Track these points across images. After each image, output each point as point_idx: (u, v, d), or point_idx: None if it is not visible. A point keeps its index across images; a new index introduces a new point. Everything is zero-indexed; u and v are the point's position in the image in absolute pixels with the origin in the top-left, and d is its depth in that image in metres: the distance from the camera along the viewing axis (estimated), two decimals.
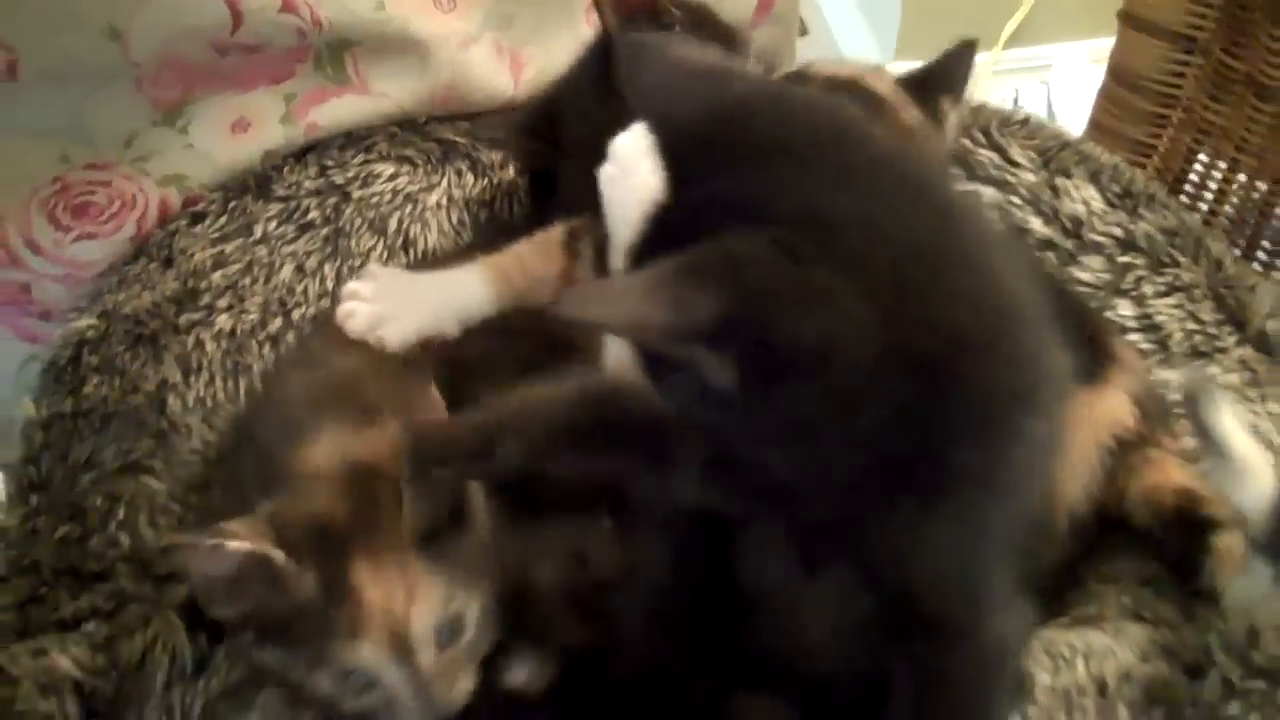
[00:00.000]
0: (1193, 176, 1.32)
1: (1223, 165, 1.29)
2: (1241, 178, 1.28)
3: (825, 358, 0.52)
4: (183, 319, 0.96)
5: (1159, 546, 0.83)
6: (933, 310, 0.54)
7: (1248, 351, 0.99)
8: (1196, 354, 1.00)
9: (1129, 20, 1.31)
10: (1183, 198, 1.30)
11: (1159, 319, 1.02)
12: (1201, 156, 1.31)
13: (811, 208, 0.54)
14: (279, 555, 0.68)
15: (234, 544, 0.68)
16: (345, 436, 0.78)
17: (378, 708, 0.71)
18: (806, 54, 1.28)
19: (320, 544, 0.70)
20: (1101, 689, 0.74)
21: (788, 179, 0.56)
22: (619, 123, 0.80)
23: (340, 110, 1.09)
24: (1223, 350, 1.00)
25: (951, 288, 0.55)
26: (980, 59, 2.33)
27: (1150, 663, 0.75)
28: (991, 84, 2.24)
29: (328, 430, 0.78)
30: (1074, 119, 1.80)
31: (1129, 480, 0.86)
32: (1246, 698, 0.72)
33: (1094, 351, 0.89)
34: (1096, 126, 1.38)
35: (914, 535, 0.58)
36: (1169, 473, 0.85)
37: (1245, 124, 1.25)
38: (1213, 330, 1.01)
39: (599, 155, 0.81)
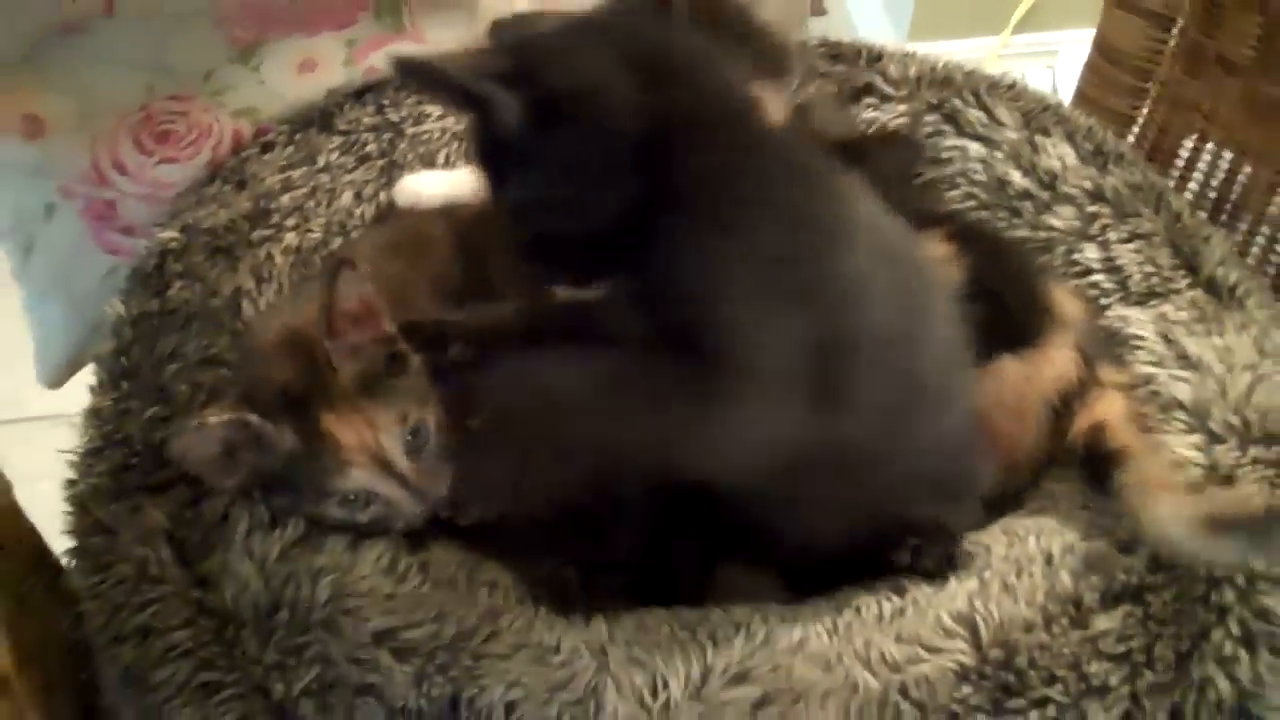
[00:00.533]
0: (1168, 145, 1.43)
1: (1194, 135, 1.41)
2: (1210, 146, 1.40)
3: (592, 102, 0.71)
4: (255, 234, 1.09)
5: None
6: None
7: (1198, 294, 1.11)
8: (1153, 294, 1.11)
9: (1115, 1, 1.43)
10: (1164, 166, 1.42)
11: (1120, 262, 1.12)
12: (1177, 127, 1.43)
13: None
14: (254, 418, 0.83)
15: (214, 419, 0.82)
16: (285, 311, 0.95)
17: (384, 514, 0.87)
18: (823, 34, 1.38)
19: (285, 404, 0.85)
20: (1048, 559, 0.87)
21: None
22: None
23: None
24: (1176, 291, 1.11)
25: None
26: (988, 43, 2.44)
27: (1090, 540, 0.87)
28: (997, 68, 2.34)
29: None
30: None
31: (1068, 424, 0.99)
32: (1171, 570, 0.84)
33: (1033, 316, 1.01)
34: (1082, 98, 1.50)
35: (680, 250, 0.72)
36: (1095, 410, 0.98)
37: (1215, 98, 1.37)
38: (1168, 274, 1.12)
39: None
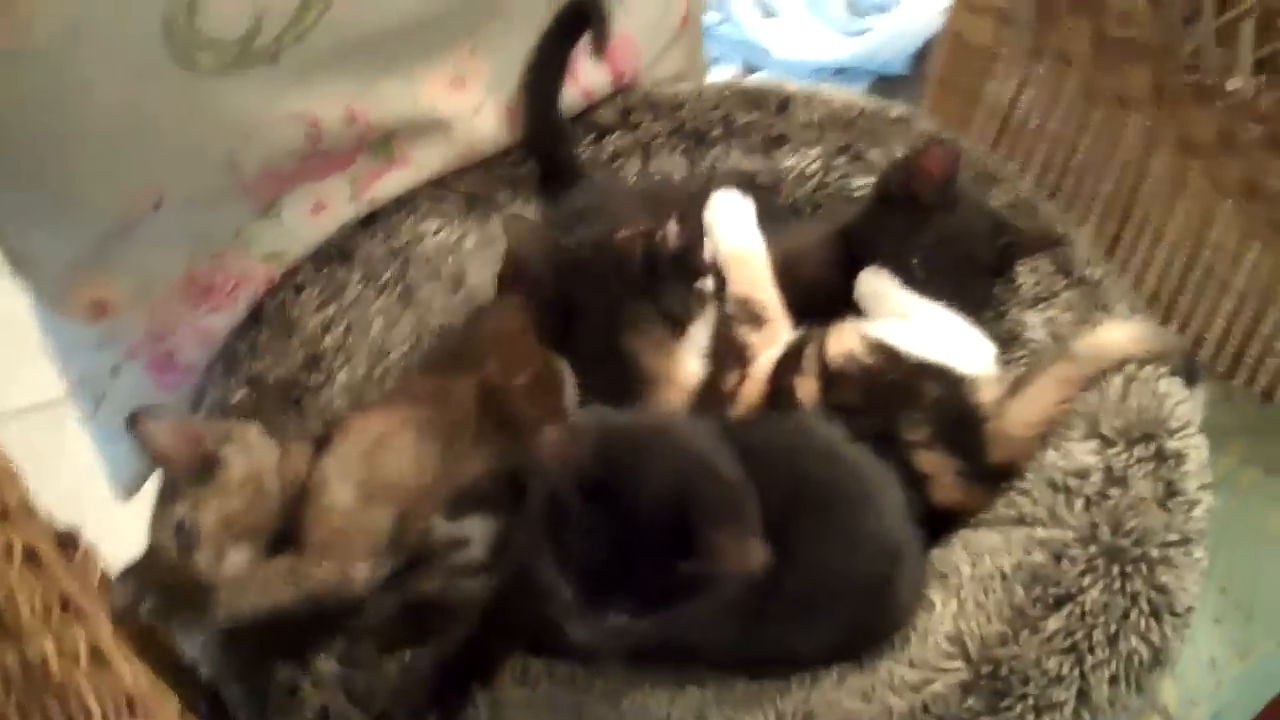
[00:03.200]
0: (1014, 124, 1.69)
1: (1039, 114, 1.67)
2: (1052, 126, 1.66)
3: None
4: (312, 380, 1.29)
5: None
6: None
7: (1074, 295, 1.36)
8: (1039, 299, 1.37)
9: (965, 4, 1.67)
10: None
11: (1013, 274, 1.39)
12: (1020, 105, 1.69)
13: None
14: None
15: None
16: None
17: None
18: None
19: None
20: (1004, 576, 1.14)
21: None
22: None
23: (391, 183, 1.40)
24: (1056, 294, 1.37)
25: None
26: None
27: (1029, 555, 1.14)
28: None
29: None
30: None
31: None
32: (1094, 572, 1.13)
33: None
34: (940, 81, 1.75)
35: None
36: None
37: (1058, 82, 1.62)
38: (1050, 278, 1.38)
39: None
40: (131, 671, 0.80)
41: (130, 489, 1.48)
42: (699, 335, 1.25)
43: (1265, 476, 1.40)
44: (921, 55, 2.58)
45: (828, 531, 1.08)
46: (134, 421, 1.11)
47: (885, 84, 2.63)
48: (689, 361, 1.25)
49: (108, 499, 1.46)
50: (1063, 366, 1.25)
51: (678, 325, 1.23)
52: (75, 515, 1.04)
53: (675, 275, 1.23)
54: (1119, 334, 1.27)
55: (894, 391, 1.21)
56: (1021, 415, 1.24)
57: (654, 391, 1.23)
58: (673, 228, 1.22)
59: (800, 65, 2.61)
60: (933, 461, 1.21)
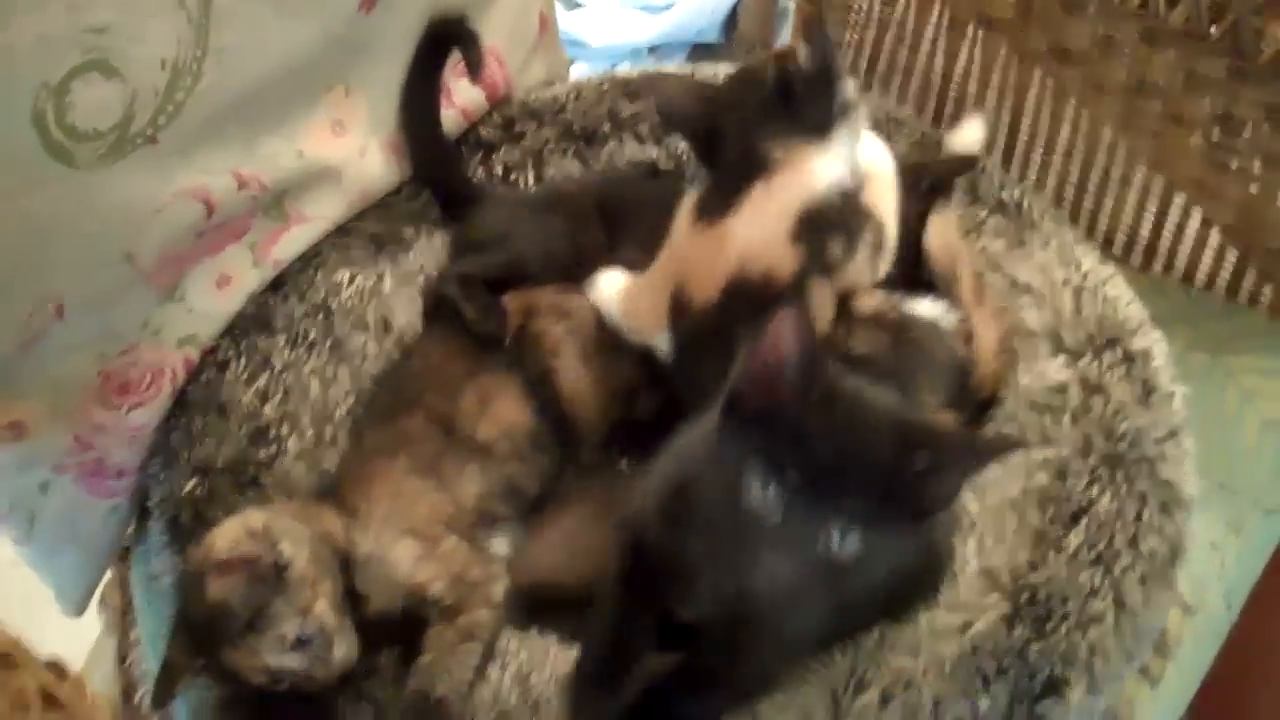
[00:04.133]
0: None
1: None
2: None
3: None
4: (263, 454, 1.22)
5: None
6: None
7: (998, 220, 1.39)
8: (966, 233, 1.38)
9: None
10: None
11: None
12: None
13: None
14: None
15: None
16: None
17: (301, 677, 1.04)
18: None
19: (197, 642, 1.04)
20: (1014, 505, 1.14)
21: None
22: None
23: (292, 242, 1.33)
24: (982, 223, 1.39)
25: None
26: None
27: (1034, 476, 1.15)
28: None
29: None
30: None
31: None
32: (1099, 481, 1.13)
33: None
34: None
35: None
36: None
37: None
38: (968, 209, 1.40)
39: None
40: None
41: (79, 605, 1.40)
42: (844, 144, 1.20)
43: (1212, 358, 1.43)
44: (731, 20, 2.66)
45: None
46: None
47: (703, 52, 2.68)
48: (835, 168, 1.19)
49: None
50: (967, 281, 1.27)
51: (820, 134, 1.18)
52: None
53: (811, 90, 1.19)
54: (943, 222, 1.31)
55: (915, 349, 1.20)
56: (982, 352, 1.24)
57: None
58: (802, 47, 1.18)
59: (619, 49, 2.66)
60: (944, 420, 1.20)
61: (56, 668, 0.95)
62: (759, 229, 1.16)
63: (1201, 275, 1.54)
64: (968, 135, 1.40)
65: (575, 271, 1.32)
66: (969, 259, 1.29)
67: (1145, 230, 1.56)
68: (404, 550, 1.12)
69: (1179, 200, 1.51)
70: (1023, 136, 1.62)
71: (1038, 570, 1.08)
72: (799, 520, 0.87)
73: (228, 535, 1.07)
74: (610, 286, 1.29)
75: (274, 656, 1.02)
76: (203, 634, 1.03)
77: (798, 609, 0.92)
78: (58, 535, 1.31)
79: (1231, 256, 1.50)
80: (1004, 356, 1.25)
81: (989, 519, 1.14)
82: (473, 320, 1.27)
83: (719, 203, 1.19)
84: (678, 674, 1.03)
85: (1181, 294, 1.52)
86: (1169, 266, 1.56)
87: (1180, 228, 1.53)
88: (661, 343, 1.22)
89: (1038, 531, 1.11)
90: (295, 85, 1.29)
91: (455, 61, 1.42)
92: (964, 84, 1.64)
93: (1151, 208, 1.54)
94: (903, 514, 0.90)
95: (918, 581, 1.07)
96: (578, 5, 2.73)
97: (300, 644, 1.03)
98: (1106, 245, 1.59)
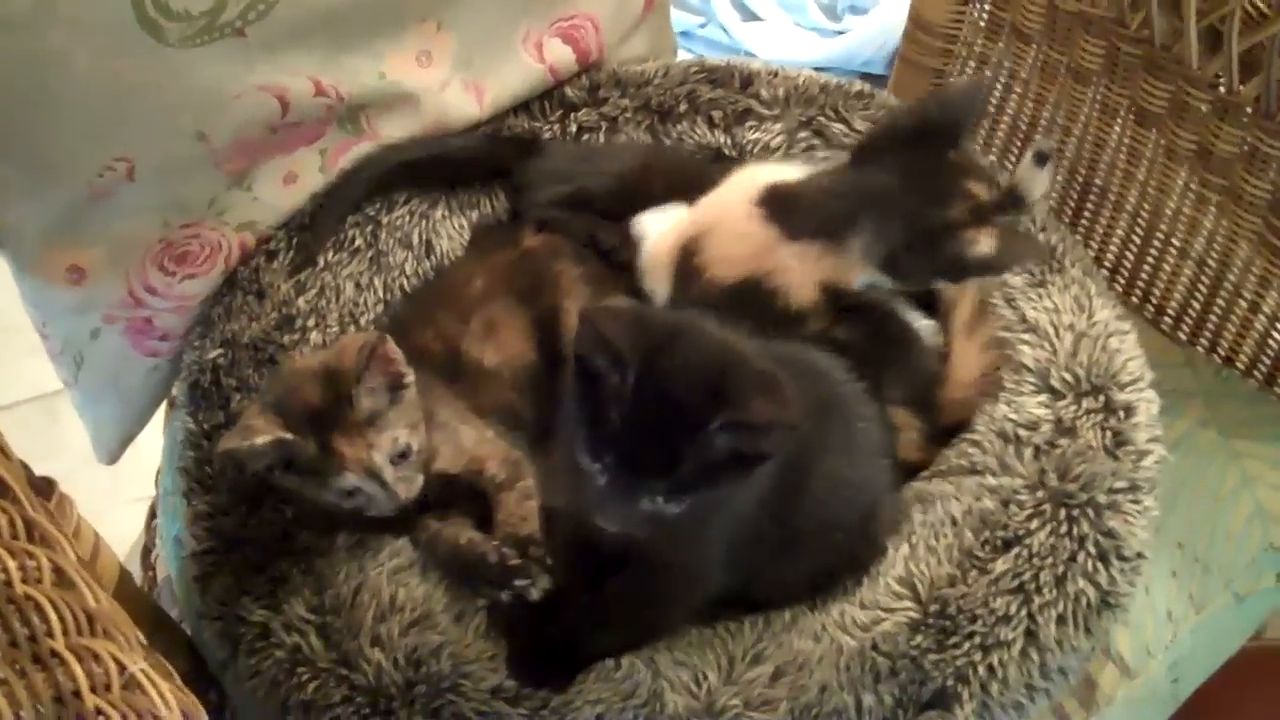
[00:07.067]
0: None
1: (998, 93, 1.70)
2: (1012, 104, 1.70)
3: None
4: (286, 339, 1.32)
5: None
6: None
7: None
8: None
9: None
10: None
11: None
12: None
13: None
14: (289, 437, 1.10)
15: (261, 440, 1.09)
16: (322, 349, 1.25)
17: (364, 504, 1.15)
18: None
19: (309, 420, 1.12)
20: (954, 521, 1.17)
21: None
22: None
23: (359, 156, 1.44)
24: None
25: None
26: None
27: (979, 502, 1.18)
28: None
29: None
30: None
31: None
32: (1040, 516, 1.16)
33: None
34: (903, 60, 1.78)
35: None
36: None
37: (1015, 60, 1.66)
38: None
39: None
40: (94, 594, 0.82)
41: (113, 453, 1.52)
42: None
43: (1221, 438, 1.43)
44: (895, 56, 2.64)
45: (838, 449, 1.13)
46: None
47: (868, 83, 2.66)
48: None
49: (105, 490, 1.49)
50: (965, 312, 1.33)
51: None
52: None
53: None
54: None
55: (889, 345, 1.27)
56: (958, 378, 1.29)
57: None
58: None
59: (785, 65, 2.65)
60: (902, 417, 1.27)
61: (45, 481, 1.05)
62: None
63: (1243, 359, 1.53)
64: (1035, 179, 1.41)
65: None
66: (974, 291, 1.32)
67: (1196, 306, 1.56)
68: (467, 432, 1.23)
69: (1230, 283, 1.51)
70: (1094, 193, 1.63)
71: (955, 586, 1.12)
72: (620, 487, 0.96)
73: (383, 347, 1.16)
74: (654, 223, 1.37)
75: (381, 456, 1.12)
76: (330, 410, 1.13)
77: (654, 545, 1.03)
78: (101, 383, 1.44)
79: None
80: (981, 387, 1.28)
81: (927, 531, 1.18)
82: (607, 244, 1.39)
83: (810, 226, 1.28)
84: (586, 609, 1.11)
85: (1212, 372, 1.52)
86: (1213, 347, 1.56)
87: (1228, 310, 1.52)
88: (660, 294, 1.29)
89: (967, 550, 1.15)
90: (388, 9, 1.39)
91: (552, 20, 1.51)
92: (1046, 132, 1.65)
93: (1204, 284, 1.54)
94: (716, 481, 0.96)
95: (846, 554, 1.15)
96: (756, 19, 2.77)
97: (401, 458, 1.14)
98: (1159, 314, 1.60)
